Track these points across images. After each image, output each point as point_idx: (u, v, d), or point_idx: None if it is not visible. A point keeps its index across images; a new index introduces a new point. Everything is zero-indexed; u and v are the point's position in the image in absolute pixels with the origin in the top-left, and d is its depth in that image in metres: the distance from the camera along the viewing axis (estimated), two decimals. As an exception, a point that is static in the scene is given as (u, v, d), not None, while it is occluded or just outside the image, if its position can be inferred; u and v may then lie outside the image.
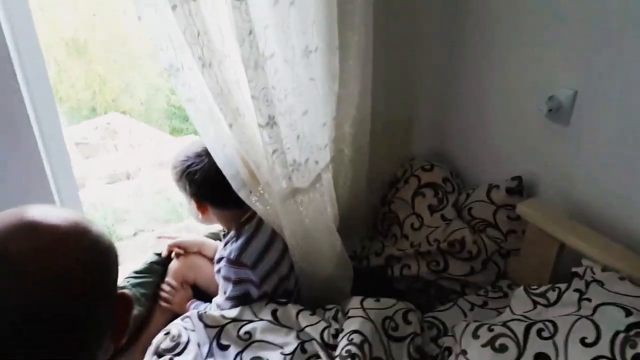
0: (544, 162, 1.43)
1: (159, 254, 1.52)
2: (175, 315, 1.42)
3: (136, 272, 1.48)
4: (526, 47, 1.39)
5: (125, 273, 1.48)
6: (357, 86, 1.38)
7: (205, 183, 1.23)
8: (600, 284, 1.08)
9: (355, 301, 1.25)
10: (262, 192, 1.20)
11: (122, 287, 1.36)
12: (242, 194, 1.19)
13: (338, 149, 1.46)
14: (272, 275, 1.29)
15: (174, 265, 1.50)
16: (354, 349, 1.10)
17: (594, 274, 1.12)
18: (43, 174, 1.27)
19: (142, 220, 2.92)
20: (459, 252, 1.48)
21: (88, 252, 0.57)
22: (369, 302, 1.24)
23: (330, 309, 1.28)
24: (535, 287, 1.16)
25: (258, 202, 1.22)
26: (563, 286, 1.13)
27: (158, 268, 1.50)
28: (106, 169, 3.37)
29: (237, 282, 1.27)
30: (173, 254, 1.50)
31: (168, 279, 1.47)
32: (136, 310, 1.41)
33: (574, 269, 1.17)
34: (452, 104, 1.68)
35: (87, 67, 4.33)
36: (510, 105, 1.50)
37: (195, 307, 1.38)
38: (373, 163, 1.60)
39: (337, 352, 1.12)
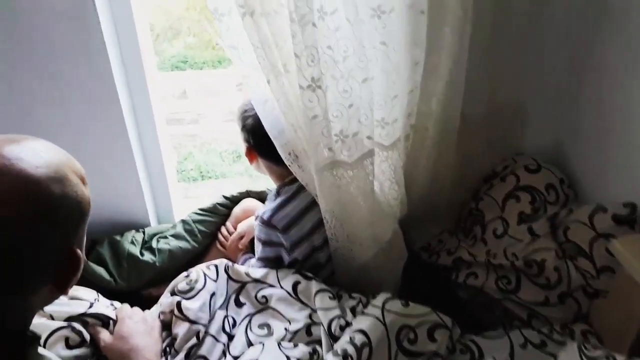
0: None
1: (227, 197, 1.56)
2: (227, 259, 1.46)
3: (200, 209, 1.54)
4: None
5: (192, 208, 1.55)
6: (449, 58, 1.19)
7: (255, 131, 1.20)
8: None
9: (380, 298, 1.13)
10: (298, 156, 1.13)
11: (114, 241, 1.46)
12: (282, 153, 1.14)
13: (421, 126, 1.30)
14: (303, 243, 1.23)
15: (237, 210, 1.52)
16: (350, 349, 1.00)
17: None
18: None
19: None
20: (535, 275, 1.24)
21: (36, 204, 0.57)
22: (394, 304, 1.11)
23: (354, 298, 1.18)
24: (588, 348, 0.91)
25: (298, 165, 1.15)
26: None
27: (222, 210, 1.54)
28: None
29: (266, 243, 1.24)
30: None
31: (228, 223, 1.51)
32: (190, 246, 1.47)
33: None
34: (581, 98, 1.36)
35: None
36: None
37: (244, 260, 1.39)
38: (466, 151, 1.40)
39: (334, 347, 1.04)
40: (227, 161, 3.04)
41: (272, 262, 1.26)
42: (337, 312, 1.12)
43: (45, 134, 1.29)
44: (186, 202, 2.20)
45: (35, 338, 0.66)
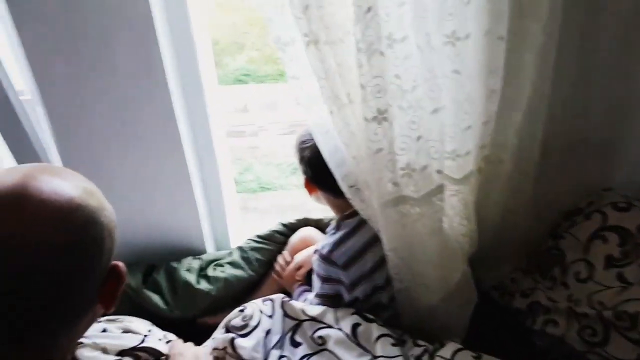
0: None
1: (285, 225, 1.51)
2: (283, 289, 1.40)
3: (258, 236, 1.50)
4: None
5: (249, 235, 1.51)
6: (529, 86, 1.08)
7: (313, 163, 1.14)
8: None
9: (448, 349, 1.04)
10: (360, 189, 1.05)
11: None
12: (342, 186, 1.07)
13: (496, 158, 1.19)
14: (364, 282, 1.15)
15: (294, 239, 1.47)
16: (414, 406, 0.91)
17: None
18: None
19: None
20: (628, 329, 1.10)
21: (71, 232, 0.57)
22: (464, 356, 1.01)
23: (420, 346, 1.09)
24: None
25: (360, 199, 1.07)
26: None
27: (279, 238, 1.49)
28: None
29: (326, 280, 1.17)
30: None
31: (285, 252, 1.45)
32: (246, 274, 1.43)
33: None
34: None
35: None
36: None
37: (300, 293, 1.33)
38: (545, 185, 1.27)
39: (397, 400, 0.95)
40: (285, 173, 3.04)
41: (332, 299, 1.19)
42: (400, 360, 1.03)
43: (100, 151, 1.28)
44: (244, 215, 2.19)
45: None
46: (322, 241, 1.20)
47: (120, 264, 0.65)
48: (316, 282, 1.20)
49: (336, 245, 1.14)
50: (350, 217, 1.16)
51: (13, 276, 0.52)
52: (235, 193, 1.73)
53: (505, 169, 1.20)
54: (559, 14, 1.00)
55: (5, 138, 1.29)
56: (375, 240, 1.13)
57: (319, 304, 1.19)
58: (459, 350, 1.03)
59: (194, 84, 1.34)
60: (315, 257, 1.18)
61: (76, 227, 0.57)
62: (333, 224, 1.21)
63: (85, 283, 0.59)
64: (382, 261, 1.14)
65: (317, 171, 1.14)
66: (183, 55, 1.30)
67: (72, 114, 1.25)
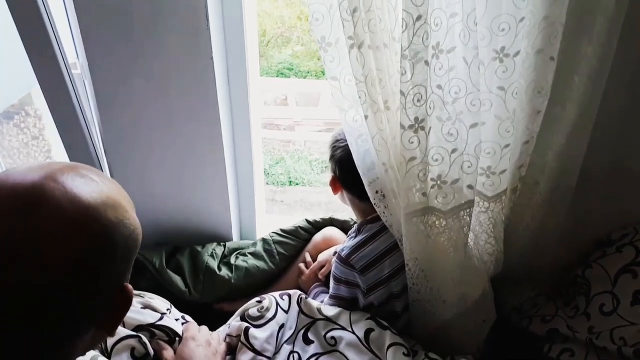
0: None
1: (310, 222, 1.51)
2: (299, 286, 1.41)
3: (282, 230, 1.51)
4: None
5: (274, 228, 1.53)
6: (576, 109, 1.05)
7: (342, 163, 1.14)
8: None
9: (461, 364, 1.02)
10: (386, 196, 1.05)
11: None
12: (369, 191, 1.07)
13: (531, 180, 1.17)
14: (380, 288, 1.15)
15: (318, 238, 1.47)
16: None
17: None
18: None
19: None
20: (648, 369, 1.07)
21: (84, 250, 0.52)
22: (475, 374, 1.00)
23: (431, 359, 1.08)
24: None
25: (385, 205, 1.07)
26: None
27: (303, 234, 1.50)
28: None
29: (341, 282, 1.18)
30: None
31: (307, 252, 1.46)
32: (267, 266, 1.44)
33: None
34: None
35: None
36: None
37: (317, 292, 1.34)
38: (581, 212, 1.24)
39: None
40: (315, 170, 3.04)
41: (346, 302, 1.20)
42: (410, 372, 1.03)
43: (141, 131, 1.29)
44: (270, 206, 2.19)
45: None
46: (343, 244, 1.20)
47: (130, 287, 0.60)
48: (332, 283, 1.21)
49: (356, 249, 1.14)
50: (372, 222, 1.16)
51: (12, 285, 0.48)
52: (264, 184, 1.74)
53: (540, 191, 1.18)
54: (615, 39, 0.97)
55: (52, 111, 1.33)
56: (395, 247, 1.13)
57: (332, 305, 1.20)
58: (472, 367, 1.02)
59: (239, 73, 1.36)
60: (334, 259, 1.18)
61: (83, 243, 0.52)
62: (355, 227, 1.21)
63: (83, 301, 0.53)
64: (400, 269, 1.14)
65: (345, 172, 1.14)
66: (231, 44, 1.31)
67: (118, 91, 1.28)
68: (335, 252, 1.20)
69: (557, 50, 0.96)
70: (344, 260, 1.15)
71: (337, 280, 1.18)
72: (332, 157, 1.18)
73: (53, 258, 0.49)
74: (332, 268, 1.20)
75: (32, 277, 0.48)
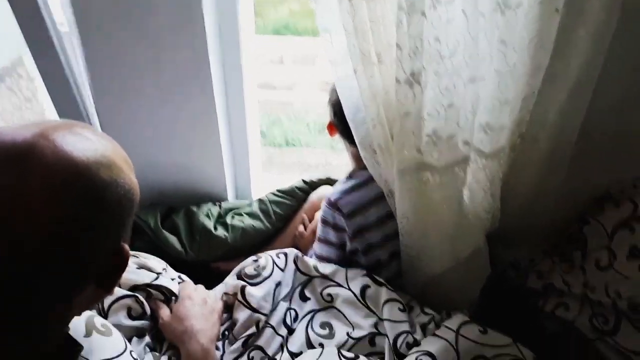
0: None
1: (307, 182, 1.50)
2: (296, 246, 1.41)
3: (279, 191, 1.50)
4: None
5: (271, 189, 1.52)
6: (580, 65, 1.02)
7: (337, 109, 1.13)
8: None
9: (455, 320, 1.03)
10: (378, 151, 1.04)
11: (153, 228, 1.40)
12: (359, 145, 1.06)
13: (530, 137, 1.15)
14: (364, 235, 1.16)
15: (314, 197, 1.47)
16: (414, 373, 0.92)
17: None
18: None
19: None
20: (641, 321, 1.08)
21: (66, 205, 0.50)
22: (470, 329, 1.01)
23: (427, 314, 1.09)
24: None
25: (376, 160, 1.06)
26: None
27: (300, 194, 1.49)
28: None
29: (329, 225, 1.19)
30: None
31: (304, 213, 1.46)
32: (263, 226, 1.44)
33: None
34: None
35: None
36: None
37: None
38: (581, 170, 1.22)
39: (398, 367, 0.96)
40: (313, 132, 3.01)
41: (334, 248, 1.22)
42: (405, 326, 1.04)
43: (132, 90, 1.27)
44: (268, 168, 2.17)
45: (76, 348, 0.62)
46: (333, 187, 1.21)
47: (126, 247, 0.60)
48: (319, 226, 1.22)
49: (345, 193, 1.16)
50: (364, 169, 1.16)
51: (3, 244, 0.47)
52: (261, 146, 1.73)
53: (539, 148, 1.16)
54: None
55: (41, 70, 1.30)
56: (383, 196, 1.14)
57: (321, 248, 1.22)
58: (465, 322, 1.02)
59: (231, 30, 1.32)
60: (323, 203, 1.19)
61: (73, 200, 0.51)
62: (346, 173, 1.22)
63: (77, 258, 0.53)
64: (385, 218, 1.16)
65: (339, 118, 1.13)
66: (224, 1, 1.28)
67: (107, 50, 1.25)
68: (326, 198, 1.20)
69: (562, 2, 0.92)
70: (332, 204, 1.16)
71: (325, 222, 1.20)
72: (329, 100, 1.18)
73: (42, 215, 0.49)
74: (320, 212, 1.21)
75: (22, 234, 0.48)
